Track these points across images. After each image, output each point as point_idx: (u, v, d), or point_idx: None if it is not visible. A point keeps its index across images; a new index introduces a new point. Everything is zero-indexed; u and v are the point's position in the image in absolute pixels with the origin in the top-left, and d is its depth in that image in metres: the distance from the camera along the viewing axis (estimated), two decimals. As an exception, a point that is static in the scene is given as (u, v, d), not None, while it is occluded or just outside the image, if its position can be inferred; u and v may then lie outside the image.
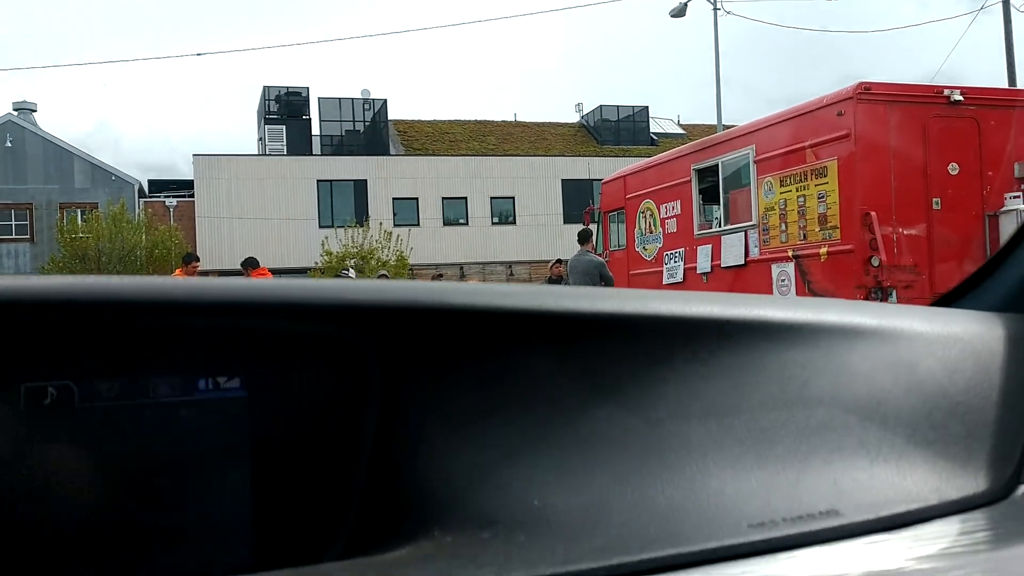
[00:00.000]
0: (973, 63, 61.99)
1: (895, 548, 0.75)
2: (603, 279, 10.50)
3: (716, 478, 0.77)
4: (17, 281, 0.68)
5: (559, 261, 13.58)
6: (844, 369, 0.88)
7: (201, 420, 0.72)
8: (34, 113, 31.75)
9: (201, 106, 75.96)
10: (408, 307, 0.78)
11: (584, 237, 10.95)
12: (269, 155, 32.74)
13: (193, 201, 30.75)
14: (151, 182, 34.42)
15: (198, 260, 10.72)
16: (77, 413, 0.67)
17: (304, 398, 0.75)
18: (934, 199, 8.86)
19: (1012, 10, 21.39)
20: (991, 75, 55.37)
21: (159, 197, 32.32)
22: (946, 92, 9.01)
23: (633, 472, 0.76)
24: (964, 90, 9.08)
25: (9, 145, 29.71)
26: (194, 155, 30.83)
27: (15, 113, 30.75)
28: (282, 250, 29.42)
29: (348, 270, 9.40)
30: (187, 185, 32.43)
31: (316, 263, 27.83)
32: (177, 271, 10.29)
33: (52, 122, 59.25)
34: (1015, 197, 8.89)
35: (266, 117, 34.30)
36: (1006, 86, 20.19)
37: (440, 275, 15.20)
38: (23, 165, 29.78)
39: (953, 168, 8.96)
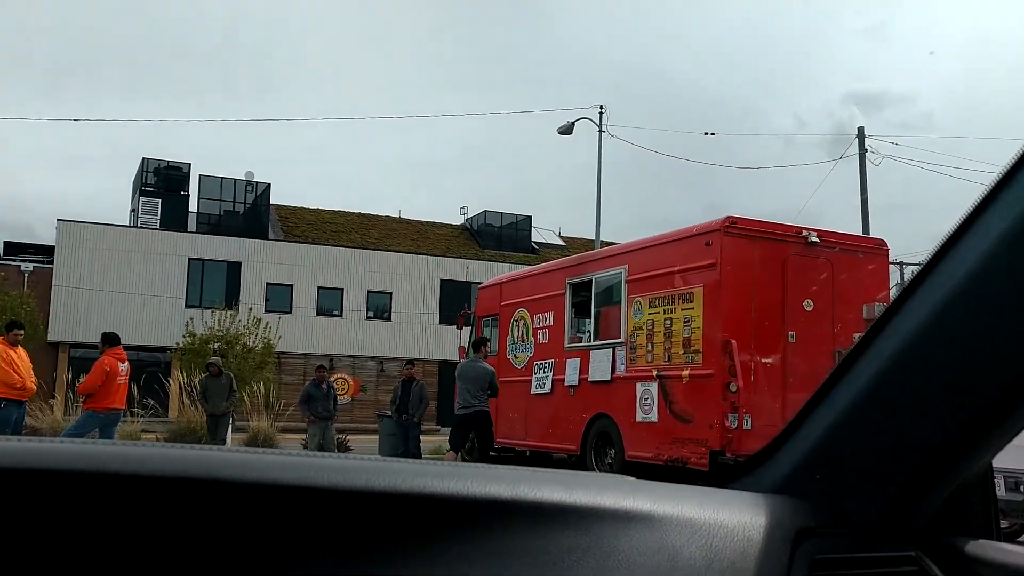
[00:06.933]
0: (832, 204, 66.78)
1: None
2: (491, 388, 10.56)
3: None
4: None
5: (410, 363, 13.74)
6: (611, 554, 0.90)
7: None
8: None
9: (69, 169, 71.75)
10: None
11: (478, 345, 11.06)
12: (141, 227, 31.66)
13: (52, 268, 29.23)
14: (7, 244, 32.60)
15: (22, 328, 10.24)
16: None
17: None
18: (789, 332, 9.32)
19: (867, 162, 23.25)
20: (847, 215, 60.22)
21: (14, 261, 30.56)
22: (804, 233, 9.60)
23: None
24: (820, 233, 9.69)
25: None
26: (58, 220, 29.53)
27: None
28: (144, 327, 28.18)
29: None
30: (47, 251, 30.86)
31: (177, 343, 26.77)
32: None
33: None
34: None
35: (142, 189, 33.27)
36: (860, 229, 21.71)
37: (325, 367, 15.00)
38: None
39: (808, 304, 9.47)
